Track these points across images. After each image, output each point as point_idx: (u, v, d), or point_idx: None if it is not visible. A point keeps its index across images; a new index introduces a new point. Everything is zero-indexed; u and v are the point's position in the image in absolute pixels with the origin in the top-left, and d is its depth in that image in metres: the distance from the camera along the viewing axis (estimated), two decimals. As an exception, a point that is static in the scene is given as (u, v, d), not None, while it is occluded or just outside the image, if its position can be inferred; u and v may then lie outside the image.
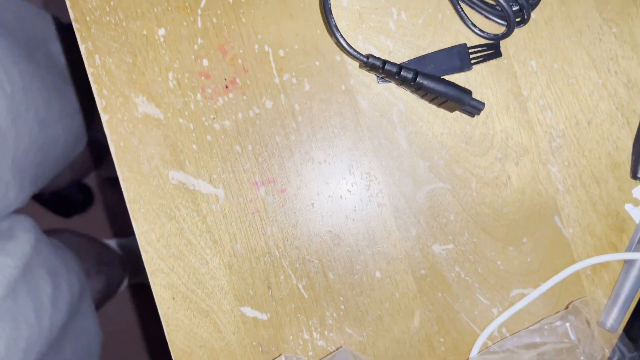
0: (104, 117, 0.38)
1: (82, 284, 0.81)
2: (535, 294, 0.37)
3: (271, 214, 0.38)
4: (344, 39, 0.35)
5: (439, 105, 0.37)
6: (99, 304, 0.98)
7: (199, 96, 0.38)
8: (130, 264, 1.17)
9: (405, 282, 0.38)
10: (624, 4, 0.38)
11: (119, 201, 1.46)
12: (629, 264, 0.37)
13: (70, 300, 0.65)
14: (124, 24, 0.38)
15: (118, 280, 1.13)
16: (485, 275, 0.38)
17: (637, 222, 0.38)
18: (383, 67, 0.35)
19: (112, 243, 1.20)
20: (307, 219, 0.38)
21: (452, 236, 0.38)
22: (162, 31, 0.38)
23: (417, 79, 0.35)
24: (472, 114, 0.37)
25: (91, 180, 1.44)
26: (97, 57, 0.38)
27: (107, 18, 0.38)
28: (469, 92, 0.36)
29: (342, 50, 0.36)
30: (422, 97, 0.37)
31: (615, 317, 0.37)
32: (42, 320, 0.56)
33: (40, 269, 0.59)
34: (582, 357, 0.33)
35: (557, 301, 0.38)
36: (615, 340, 0.36)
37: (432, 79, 0.35)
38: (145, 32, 0.38)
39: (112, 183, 1.41)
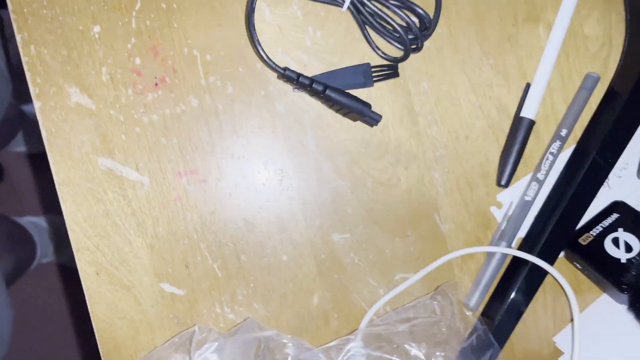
0: (36, 104, 0.41)
1: None
2: (414, 278, 0.44)
3: (192, 201, 0.43)
4: (265, 52, 0.40)
5: (344, 115, 0.43)
6: (8, 283, 0.98)
7: (130, 91, 0.42)
8: (42, 243, 1.15)
9: (308, 265, 0.44)
10: (501, 41, 0.45)
11: (30, 178, 1.42)
12: (489, 255, 0.45)
13: None
14: (60, 18, 0.41)
15: (29, 259, 1.12)
16: (374, 261, 0.45)
17: (499, 221, 0.46)
18: (297, 80, 0.40)
19: (22, 221, 1.17)
20: (224, 207, 0.43)
21: (349, 227, 0.44)
22: (97, 28, 0.41)
23: (326, 92, 0.41)
24: (370, 124, 0.43)
25: (1, 156, 1.39)
26: (32, 47, 0.41)
27: (45, 11, 0.41)
28: (368, 105, 0.42)
29: (262, 61, 0.41)
30: (330, 107, 0.43)
31: (477, 298, 0.45)
32: None
33: None
34: (443, 329, 0.40)
35: (432, 284, 0.46)
36: (472, 319, 0.44)
37: (339, 92, 0.41)
38: (81, 28, 0.41)
39: (24, 159, 1.37)
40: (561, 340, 0.46)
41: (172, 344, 0.41)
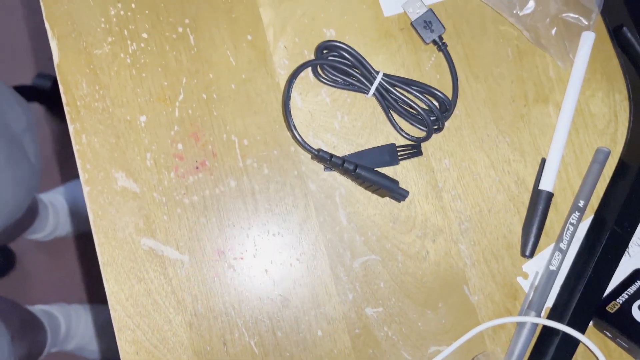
0: (85, 189, 0.44)
1: (9, 348, 0.81)
2: (448, 350, 0.45)
3: (229, 278, 0.44)
4: (300, 136, 0.43)
5: (373, 191, 0.46)
6: None
7: (172, 174, 0.45)
8: (53, 332, 1.14)
9: (342, 340, 0.45)
10: (514, 119, 0.49)
11: (42, 266, 1.43)
12: (520, 325, 0.46)
13: None
14: (110, 109, 0.45)
15: (40, 347, 1.10)
16: (408, 334, 0.45)
17: (526, 291, 0.47)
18: (330, 160, 0.43)
19: (34, 309, 1.17)
20: (260, 283, 0.44)
21: (381, 300, 0.45)
22: (143, 118, 0.45)
23: (357, 170, 0.43)
24: (398, 200, 0.45)
25: (14, 243, 1.40)
26: (83, 136, 0.44)
27: (96, 104, 0.45)
28: (396, 182, 0.45)
29: (297, 143, 0.44)
30: (360, 184, 0.45)
31: (511, 370, 0.45)
32: None
33: None
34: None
35: (465, 356, 0.46)
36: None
37: (368, 170, 0.44)
38: (128, 118, 0.45)
39: (36, 247, 1.39)
40: (598, 411, 0.46)
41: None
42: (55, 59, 0.45)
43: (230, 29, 0.47)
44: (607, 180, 0.50)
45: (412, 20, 0.48)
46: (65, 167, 1.36)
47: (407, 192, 0.45)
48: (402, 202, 0.47)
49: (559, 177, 0.49)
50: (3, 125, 0.71)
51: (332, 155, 0.44)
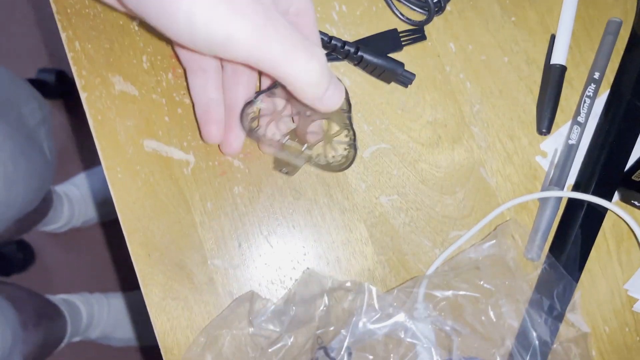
0: (82, 95, 0.43)
1: (16, 338, 0.80)
2: (468, 234, 0.43)
3: (238, 175, 0.43)
4: None
5: (378, 76, 0.44)
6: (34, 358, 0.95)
7: (170, 75, 0.43)
8: (73, 321, 1.13)
9: (358, 229, 0.43)
10: None
11: (61, 256, 1.43)
12: (543, 203, 0.44)
13: (1, 354, 0.65)
14: (101, 15, 0.44)
15: (58, 336, 1.09)
16: (426, 221, 0.44)
17: (546, 170, 0.45)
18: (329, 41, 0.42)
19: (54, 298, 1.17)
20: (270, 177, 0.43)
21: (396, 188, 0.44)
22: (136, 21, 0.44)
23: (359, 52, 0.42)
24: (405, 84, 0.44)
25: (31, 237, 1.41)
26: (77, 43, 0.43)
27: (87, 10, 0.44)
28: (401, 64, 0.43)
29: None
30: (363, 69, 0.44)
31: (537, 248, 0.43)
32: None
33: None
34: (511, 263, 0.39)
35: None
36: (536, 252, 0.42)
37: (372, 52, 0.42)
38: (121, 22, 0.44)
39: (53, 238, 1.39)
40: (633, 287, 0.44)
41: (230, 311, 0.39)
42: (43, -31, 0.44)
43: None
44: (621, 53, 0.47)
45: None
46: (77, 158, 1.37)
47: (414, 75, 0.44)
48: (409, 87, 0.45)
49: (570, 53, 0.47)
50: (18, 119, 0.71)
51: (332, 37, 0.42)
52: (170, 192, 0.43)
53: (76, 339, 1.17)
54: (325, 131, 0.41)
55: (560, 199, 0.44)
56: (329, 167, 0.41)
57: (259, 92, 0.39)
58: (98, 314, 1.20)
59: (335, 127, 0.40)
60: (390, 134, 0.45)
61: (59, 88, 1.35)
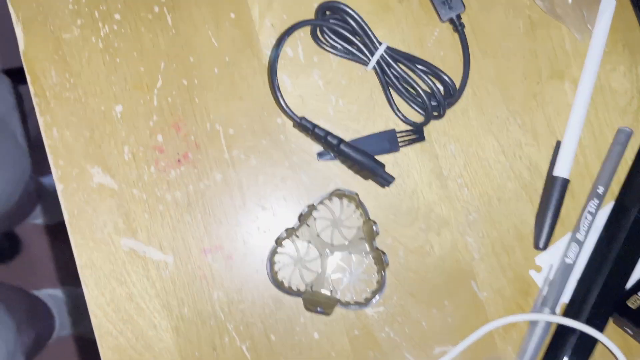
0: (59, 187, 0.41)
1: (15, 338, 0.79)
2: (454, 351, 0.42)
3: (217, 279, 0.41)
4: (283, 99, 0.40)
5: (356, 172, 0.42)
6: (29, 358, 0.95)
7: (152, 169, 0.41)
8: (60, 316, 1.13)
9: (341, 342, 0.42)
10: (526, 99, 0.45)
11: (48, 250, 1.42)
12: (533, 323, 0.43)
13: (6, 357, 0.64)
14: (82, 100, 0.41)
15: (48, 333, 1.10)
16: (411, 335, 0.42)
17: (539, 286, 0.43)
18: (312, 130, 0.40)
19: (41, 294, 1.16)
20: (251, 284, 0.41)
21: (382, 299, 0.42)
22: (119, 108, 0.41)
23: (340, 146, 0.40)
24: (382, 185, 0.42)
25: (19, 228, 1.39)
26: (54, 129, 0.41)
27: (67, 94, 0.41)
28: (382, 165, 0.41)
29: (280, 108, 0.41)
30: (343, 163, 0.42)
31: (523, 372, 0.42)
32: None
33: None
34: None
35: (474, 357, 0.43)
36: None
37: (353, 148, 0.41)
38: (103, 108, 0.41)
39: (41, 231, 1.37)
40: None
41: None
42: (21, 46, 0.42)
43: (212, 6, 0.43)
44: (630, 163, 0.45)
45: None
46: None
47: (393, 178, 0.42)
48: (404, 191, 0.43)
49: (576, 161, 0.45)
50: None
51: (315, 125, 0.40)
52: (147, 295, 0.41)
53: (64, 332, 1.17)
54: (349, 272, 0.43)
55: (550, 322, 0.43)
56: (359, 304, 0.42)
57: (277, 239, 0.41)
58: (84, 308, 1.19)
59: (358, 263, 0.43)
60: (381, 241, 0.43)
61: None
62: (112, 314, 0.41)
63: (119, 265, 0.41)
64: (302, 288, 0.42)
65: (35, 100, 0.41)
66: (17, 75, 1.12)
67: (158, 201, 0.42)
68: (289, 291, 0.41)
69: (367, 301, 0.42)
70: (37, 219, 1.22)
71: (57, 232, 1.35)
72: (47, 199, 1.18)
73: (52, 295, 1.16)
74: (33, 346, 0.98)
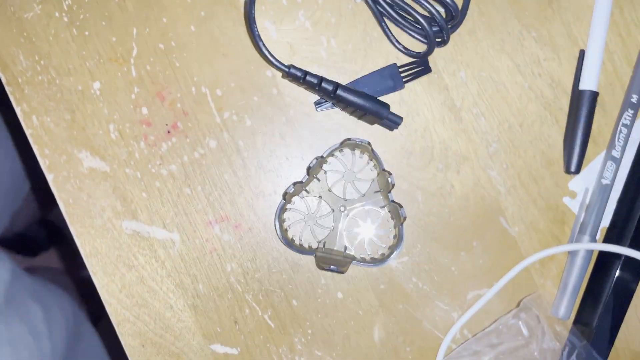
0: (49, 177, 0.39)
1: (73, 306, 0.81)
2: (489, 294, 0.39)
3: (229, 250, 0.39)
4: (267, 49, 0.36)
5: (359, 118, 0.39)
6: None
7: (142, 144, 0.39)
8: None
9: (367, 298, 0.39)
10: (540, 8, 0.40)
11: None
12: (572, 254, 0.39)
13: (66, 323, 0.65)
14: (57, 81, 0.39)
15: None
16: (441, 282, 0.40)
17: (575, 213, 0.40)
18: (304, 78, 0.36)
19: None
20: (264, 251, 0.39)
21: (405, 249, 0.40)
22: (97, 84, 0.39)
23: (337, 92, 0.36)
24: (390, 128, 0.38)
25: (55, 215, 1.41)
26: (34, 117, 0.38)
27: (40, 77, 0.38)
28: (386, 106, 0.37)
29: (264, 60, 0.37)
30: (343, 109, 0.38)
31: (566, 306, 0.39)
32: (42, 343, 0.57)
33: (25, 295, 0.59)
34: (535, 353, 0.35)
35: (511, 297, 0.40)
36: (565, 332, 0.38)
37: (351, 92, 0.37)
38: (80, 88, 0.39)
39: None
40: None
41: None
42: (-17, 33, 0.39)
43: (177, -43, 0.39)
44: (665, 63, 0.40)
45: None
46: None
47: (401, 118, 0.38)
48: (415, 131, 0.40)
49: (603, 70, 0.40)
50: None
51: (306, 73, 0.37)
52: (157, 276, 0.39)
53: None
54: (365, 227, 0.40)
55: (592, 250, 0.39)
56: (375, 262, 0.39)
57: (285, 194, 0.39)
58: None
59: (374, 217, 0.40)
60: (396, 188, 0.40)
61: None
62: (125, 300, 0.39)
63: (124, 249, 0.39)
64: (315, 246, 0.40)
65: (8, 89, 0.39)
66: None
67: (154, 178, 0.39)
68: (300, 249, 0.39)
69: (384, 257, 0.39)
70: None
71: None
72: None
73: None
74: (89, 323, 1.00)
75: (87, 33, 0.39)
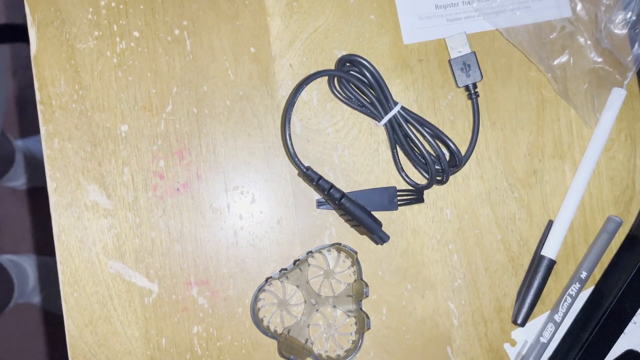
0: (52, 199, 0.40)
1: None
2: (421, 413, 0.43)
3: (199, 313, 0.41)
4: (292, 147, 0.41)
5: (353, 226, 0.43)
6: None
7: (149, 194, 0.41)
8: (20, 283, 1.11)
9: (312, 391, 0.42)
10: (527, 175, 0.46)
11: (15, 215, 1.39)
12: (500, 396, 0.44)
13: None
14: (89, 113, 0.41)
15: (6, 299, 1.08)
16: (382, 392, 0.43)
17: None
18: (317, 181, 0.40)
19: (1, 259, 1.14)
20: (232, 323, 0.42)
21: (359, 353, 0.43)
22: (125, 127, 0.41)
23: (342, 200, 0.40)
24: (376, 242, 0.43)
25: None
26: (56, 140, 0.40)
27: (74, 105, 0.41)
28: (379, 224, 0.42)
29: (288, 156, 0.42)
30: (341, 216, 0.42)
31: None
32: None
33: None
34: None
35: (438, 421, 0.44)
36: None
37: (354, 204, 0.41)
38: (108, 125, 0.41)
39: (10, 195, 1.34)
40: None
41: None
42: (33, 49, 0.41)
43: (233, 37, 0.43)
44: (614, 251, 0.47)
45: (452, 57, 0.44)
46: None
47: (388, 237, 0.42)
48: (396, 249, 0.44)
49: (564, 241, 0.47)
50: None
51: (320, 177, 0.41)
52: (126, 321, 0.41)
53: (21, 301, 1.15)
54: (329, 324, 0.44)
55: (518, 397, 0.44)
56: None
57: (269, 278, 0.42)
58: (44, 279, 1.18)
59: (340, 318, 0.44)
60: (366, 299, 0.44)
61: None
62: (88, 336, 0.40)
63: (102, 287, 0.41)
64: (280, 331, 0.43)
65: (39, 108, 0.41)
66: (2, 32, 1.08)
67: (151, 227, 0.41)
68: (266, 331, 0.41)
69: (339, 359, 0.42)
70: (8, 182, 1.19)
71: (27, 199, 1.32)
72: (21, 163, 1.16)
73: (14, 261, 1.14)
74: None
75: (130, 78, 0.42)
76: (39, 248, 1.27)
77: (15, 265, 1.12)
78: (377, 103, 0.43)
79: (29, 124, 1.28)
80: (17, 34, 1.23)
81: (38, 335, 1.26)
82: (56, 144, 0.41)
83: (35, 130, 1.25)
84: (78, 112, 0.41)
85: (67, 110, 0.41)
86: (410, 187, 0.45)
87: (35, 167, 1.19)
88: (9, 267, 1.09)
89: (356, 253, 0.42)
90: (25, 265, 1.16)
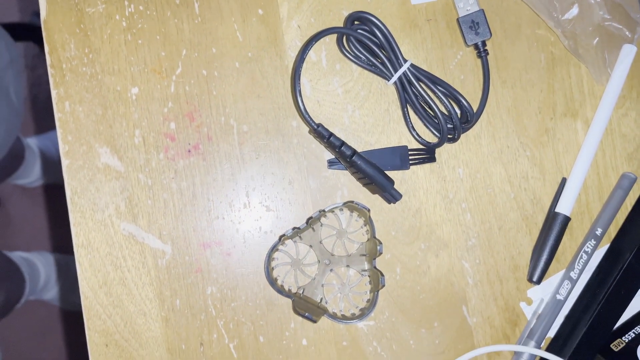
0: (64, 162, 0.40)
1: None
2: (438, 373, 0.42)
3: (213, 274, 0.41)
4: (303, 104, 0.41)
5: (365, 185, 0.43)
6: None
7: (161, 155, 0.41)
8: (31, 279, 1.12)
9: (328, 351, 0.42)
10: (539, 133, 0.45)
11: (26, 212, 1.40)
12: (517, 355, 0.44)
13: None
14: (99, 77, 0.41)
15: (17, 295, 1.08)
16: (398, 353, 0.43)
17: (528, 318, 0.44)
18: (328, 138, 0.40)
19: (13, 256, 1.14)
20: (246, 283, 0.41)
21: (374, 313, 0.42)
22: (135, 89, 0.41)
23: (353, 157, 0.40)
24: (389, 201, 0.43)
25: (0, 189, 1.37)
26: (67, 103, 0.40)
27: (84, 69, 0.41)
28: (392, 182, 0.42)
29: (298, 112, 0.41)
30: (353, 174, 0.42)
31: (502, 400, 0.42)
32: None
33: None
34: None
35: (456, 381, 0.44)
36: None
37: (366, 162, 0.41)
38: (119, 88, 0.41)
39: (21, 192, 1.35)
40: None
41: None
42: (43, 13, 0.41)
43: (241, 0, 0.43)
44: (629, 208, 0.46)
45: (460, 16, 0.44)
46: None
47: (400, 195, 0.42)
48: (408, 209, 0.44)
49: (578, 200, 0.46)
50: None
51: (331, 134, 0.41)
52: (140, 282, 0.41)
53: (32, 297, 1.16)
54: (343, 284, 0.44)
55: (535, 355, 0.44)
56: (345, 319, 0.43)
57: (282, 235, 0.42)
58: (56, 275, 1.18)
59: (353, 277, 0.44)
60: (380, 257, 0.43)
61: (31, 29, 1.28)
62: (103, 297, 0.40)
63: (116, 248, 0.41)
64: (294, 290, 0.42)
65: (50, 72, 0.41)
66: (15, 31, 1.10)
67: (163, 189, 0.41)
68: (280, 290, 0.41)
69: (354, 317, 0.42)
70: (19, 179, 1.20)
71: (37, 196, 1.33)
72: (30, 161, 1.16)
73: (26, 258, 1.15)
74: (1, 307, 0.96)
75: (140, 41, 0.42)
76: (50, 245, 1.28)
77: (27, 262, 1.13)
78: (386, 61, 0.43)
79: (38, 122, 1.29)
80: (28, 32, 1.24)
81: (48, 332, 1.27)
82: (67, 107, 0.41)
83: (45, 129, 1.25)
84: (88, 75, 0.41)
85: (78, 73, 0.41)
86: (422, 146, 0.45)
87: (45, 165, 1.19)
88: (21, 264, 1.10)
89: (369, 210, 0.42)
90: (37, 262, 1.17)
